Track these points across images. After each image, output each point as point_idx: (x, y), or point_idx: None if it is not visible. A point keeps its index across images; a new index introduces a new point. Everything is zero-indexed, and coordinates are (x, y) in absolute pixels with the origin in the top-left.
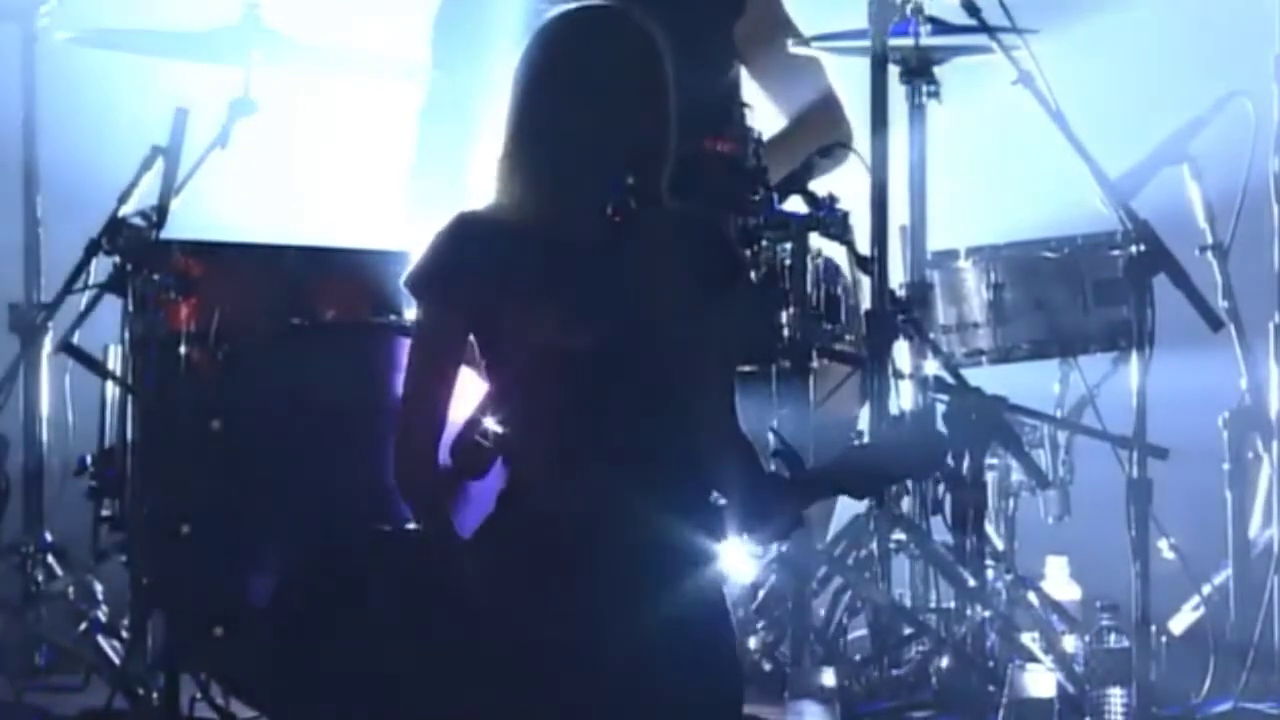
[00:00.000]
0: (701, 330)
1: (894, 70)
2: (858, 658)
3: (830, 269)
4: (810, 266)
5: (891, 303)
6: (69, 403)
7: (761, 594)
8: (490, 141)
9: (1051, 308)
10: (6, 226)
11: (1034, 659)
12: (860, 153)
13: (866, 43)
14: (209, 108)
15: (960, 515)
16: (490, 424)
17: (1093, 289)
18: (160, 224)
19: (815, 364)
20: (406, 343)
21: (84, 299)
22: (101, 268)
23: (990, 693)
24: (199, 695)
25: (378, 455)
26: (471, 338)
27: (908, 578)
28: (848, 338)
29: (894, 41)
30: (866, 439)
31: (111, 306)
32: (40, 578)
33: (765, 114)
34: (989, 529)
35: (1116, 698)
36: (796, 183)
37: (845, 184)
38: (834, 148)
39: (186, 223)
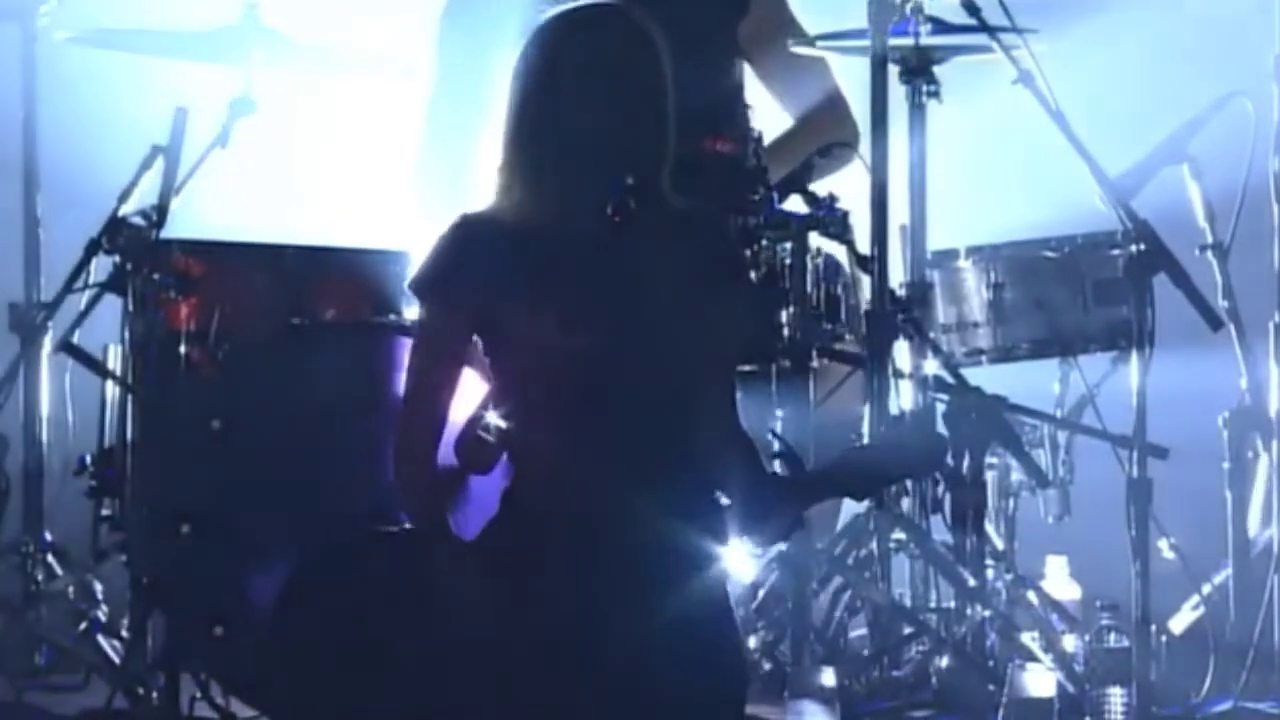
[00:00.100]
0: (702, 329)
1: (894, 70)
2: (863, 654)
3: (830, 266)
4: (810, 266)
5: (891, 302)
6: (69, 403)
7: (761, 594)
8: (494, 141)
9: (1051, 307)
10: (6, 226)
11: (1034, 659)
12: (861, 153)
13: (866, 43)
14: (209, 108)
15: (960, 515)
16: (494, 419)
17: (1093, 289)
18: (160, 223)
19: (815, 363)
20: (406, 342)
21: (84, 299)
22: (101, 267)
23: (990, 692)
24: (199, 695)
25: (377, 455)
26: (476, 338)
27: (908, 578)
28: (848, 337)
29: (894, 41)
30: (866, 440)
31: (111, 306)
32: (40, 578)
33: (770, 115)
34: (989, 529)
35: (1116, 697)
36: (796, 182)
37: (845, 184)
38: (833, 147)
39: (186, 223)
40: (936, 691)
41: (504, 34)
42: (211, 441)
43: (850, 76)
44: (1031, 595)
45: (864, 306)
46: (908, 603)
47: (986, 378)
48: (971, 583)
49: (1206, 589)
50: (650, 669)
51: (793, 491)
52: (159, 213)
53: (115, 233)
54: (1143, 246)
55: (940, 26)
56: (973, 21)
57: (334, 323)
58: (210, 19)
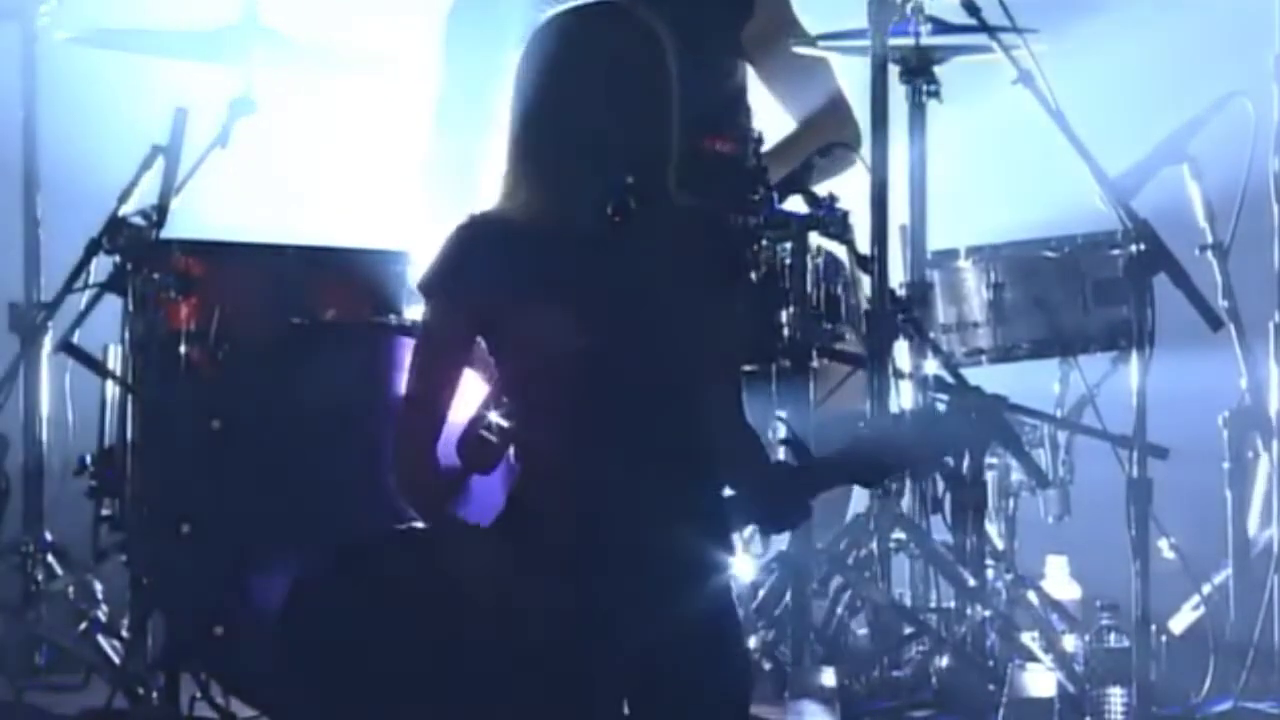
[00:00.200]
0: (703, 327)
1: (894, 70)
2: (863, 654)
3: (831, 265)
4: (810, 266)
5: (891, 302)
6: (69, 403)
7: (761, 594)
8: (500, 141)
9: (1051, 307)
10: (6, 226)
11: (1034, 659)
12: (861, 155)
13: (866, 43)
14: (209, 108)
15: (960, 515)
16: (496, 419)
17: (1093, 289)
18: (160, 224)
19: (815, 363)
20: (407, 342)
21: (84, 298)
22: (101, 267)
23: (990, 692)
24: (199, 695)
25: (378, 455)
26: (480, 339)
27: (908, 578)
28: (848, 336)
29: (894, 41)
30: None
31: (111, 306)
32: (40, 578)
33: (771, 118)
34: (989, 529)
35: (1116, 697)
36: (796, 183)
37: (845, 184)
38: (834, 147)
39: (186, 223)
40: (936, 691)
41: (511, 33)
42: (211, 441)
43: (850, 76)
44: (1031, 595)
45: (864, 306)
46: (908, 603)
47: (986, 378)
48: (971, 583)
49: (1206, 589)
50: (654, 668)
51: (802, 479)
52: (159, 213)
53: (115, 233)
54: (1143, 246)
55: (940, 26)
56: (973, 21)
57: (334, 323)
58: (210, 19)
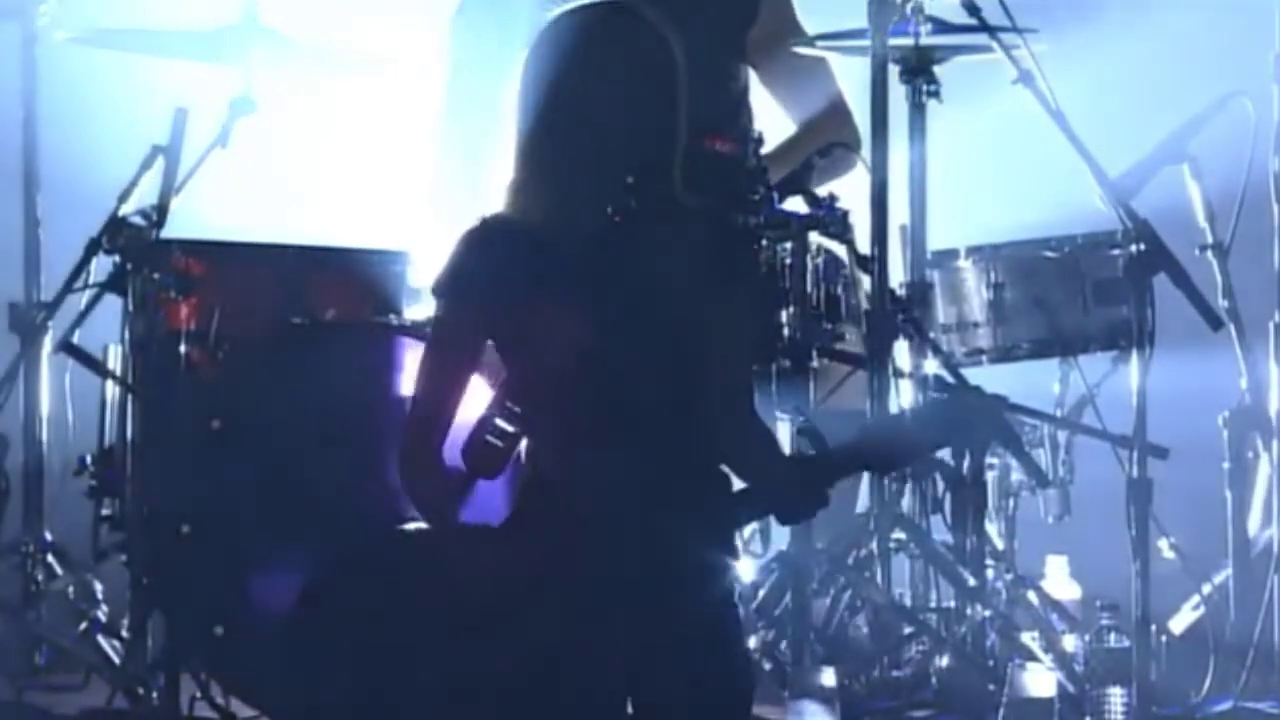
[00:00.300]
0: (709, 326)
1: (894, 70)
2: (863, 654)
3: (831, 264)
4: (810, 266)
5: (891, 302)
6: (69, 402)
7: (761, 594)
8: (508, 142)
9: (1051, 307)
10: (6, 226)
11: (1034, 658)
12: (862, 155)
13: (866, 43)
14: (209, 108)
15: (960, 515)
16: (502, 423)
17: (1093, 288)
18: (160, 223)
19: (815, 363)
20: (407, 342)
21: (84, 298)
22: (101, 267)
23: (990, 692)
24: (199, 695)
25: (378, 454)
26: (490, 341)
27: (908, 578)
28: (848, 336)
29: (894, 41)
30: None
31: (111, 306)
32: (40, 578)
33: (772, 121)
34: (989, 529)
35: (1116, 697)
36: (796, 183)
37: (845, 184)
38: (833, 147)
39: (186, 223)
40: (936, 691)
41: (519, 31)
42: (211, 441)
43: (850, 76)
44: (1031, 595)
45: (864, 306)
46: (908, 603)
47: (986, 378)
48: (971, 583)
49: (1206, 589)
50: (657, 668)
51: (818, 469)
52: (159, 213)
53: (115, 233)
54: (1143, 246)
55: (940, 26)
56: (973, 21)
57: (334, 323)
58: (210, 19)
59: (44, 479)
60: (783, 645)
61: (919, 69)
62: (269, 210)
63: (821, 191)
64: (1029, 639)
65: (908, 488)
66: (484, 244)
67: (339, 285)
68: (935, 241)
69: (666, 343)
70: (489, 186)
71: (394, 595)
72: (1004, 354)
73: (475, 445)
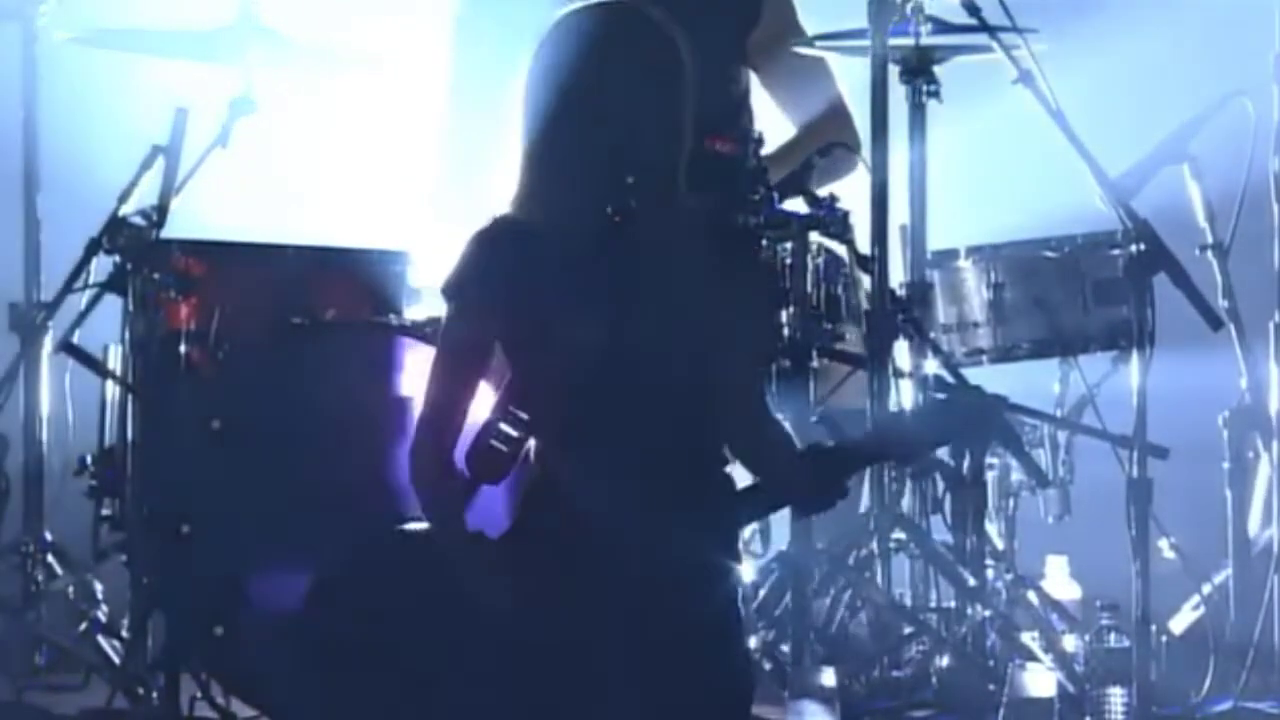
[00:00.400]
0: (713, 326)
1: (894, 70)
2: (863, 654)
3: (831, 264)
4: (810, 265)
5: (891, 302)
6: (69, 402)
7: (761, 594)
8: (513, 142)
9: (1051, 307)
10: (6, 226)
11: (1034, 658)
12: (862, 156)
13: (866, 43)
14: (209, 108)
15: (960, 515)
16: (507, 429)
17: (1093, 288)
18: (160, 223)
19: (815, 363)
20: (407, 342)
21: (84, 298)
22: (101, 267)
23: (990, 692)
24: (199, 695)
25: (378, 454)
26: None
27: (908, 578)
28: (848, 336)
29: (894, 41)
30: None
31: (111, 306)
32: (40, 578)
33: (772, 123)
34: (989, 529)
35: (1116, 697)
36: (796, 183)
37: (846, 184)
38: (833, 147)
39: (186, 223)
40: (936, 691)
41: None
42: (211, 441)
43: (850, 77)
44: (1031, 595)
45: (864, 306)
46: (908, 603)
47: (986, 378)
48: (971, 583)
49: (1206, 589)
50: (658, 669)
51: (837, 460)
52: (159, 213)
53: (115, 233)
54: (1143, 246)
55: (940, 26)
56: (973, 21)
57: (334, 323)
58: (209, 19)
59: (44, 479)
60: (783, 645)
61: (919, 69)
62: (269, 210)
63: (822, 192)
64: (1029, 639)
65: (908, 488)
66: (495, 245)
67: (339, 285)
68: (935, 241)
69: (674, 341)
70: (493, 185)
71: (396, 595)
72: (1004, 354)
73: (480, 450)
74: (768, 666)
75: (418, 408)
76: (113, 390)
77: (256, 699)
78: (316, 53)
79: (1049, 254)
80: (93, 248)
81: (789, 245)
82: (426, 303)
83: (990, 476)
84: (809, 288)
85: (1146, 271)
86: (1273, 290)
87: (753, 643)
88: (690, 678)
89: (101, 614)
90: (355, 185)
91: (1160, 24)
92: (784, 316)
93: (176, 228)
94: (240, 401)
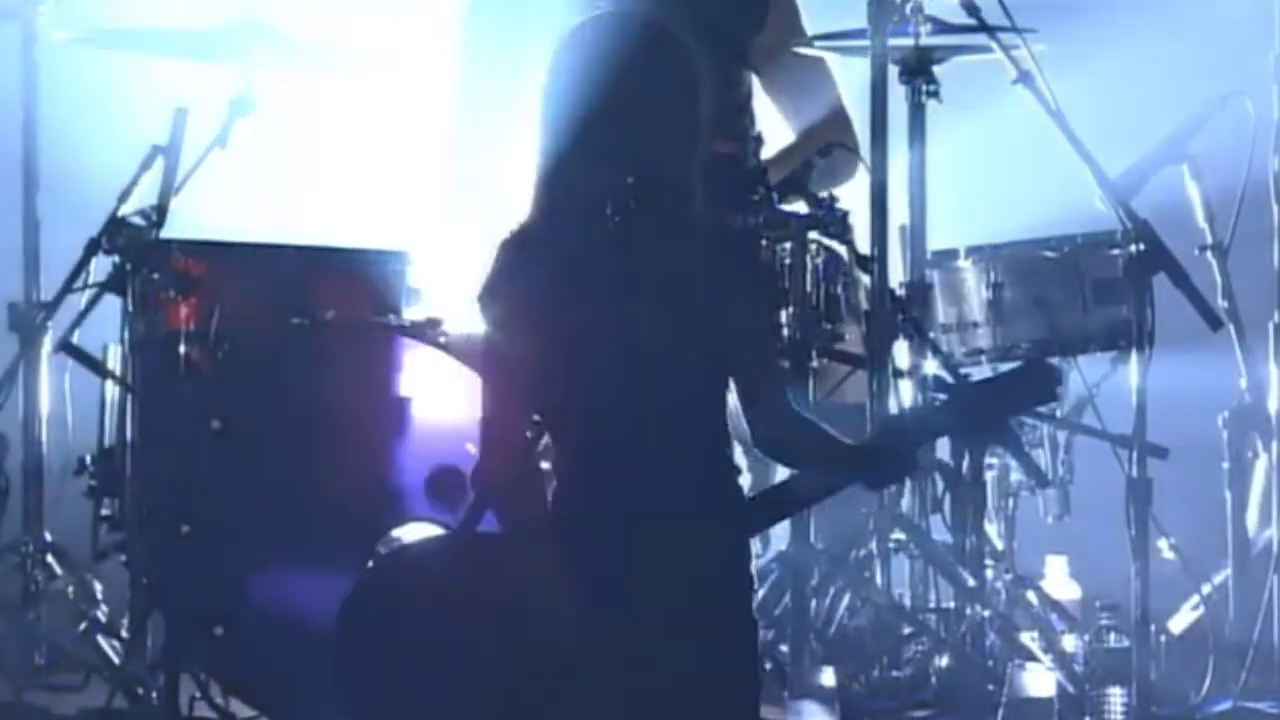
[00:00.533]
0: (725, 326)
1: (894, 70)
2: (863, 654)
3: (831, 264)
4: (810, 265)
5: (891, 302)
6: (69, 402)
7: (761, 594)
8: (526, 140)
9: (1051, 307)
10: (6, 226)
11: (1034, 659)
12: (862, 157)
13: (866, 43)
14: (209, 108)
15: (960, 515)
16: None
17: (1092, 288)
18: (160, 223)
19: (815, 363)
20: (407, 342)
21: (84, 298)
22: (101, 267)
23: (990, 692)
24: (199, 695)
25: (377, 454)
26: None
27: (907, 578)
28: (848, 335)
29: (894, 41)
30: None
31: (111, 306)
32: (40, 578)
33: (773, 123)
34: (989, 529)
35: (1116, 697)
36: (796, 184)
37: (846, 183)
38: (833, 147)
39: (186, 223)
40: (936, 691)
41: (534, 28)
42: (211, 441)
43: (850, 77)
44: (1031, 595)
45: (864, 306)
46: (907, 603)
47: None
48: (971, 583)
49: (1206, 589)
50: (662, 668)
51: (904, 433)
52: (159, 213)
53: (115, 233)
54: (1143, 246)
55: (940, 26)
56: (973, 21)
57: (334, 323)
58: (209, 18)
59: (44, 479)
60: (783, 645)
61: (919, 69)
62: (269, 210)
63: (821, 194)
64: (1029, 639)
65: (908, 488)
66: (521, 251)
67: (339, 285)
68: (935, 241)
69: (674, 344)
70: (503, 186)
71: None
72: (1004, 354)
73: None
74: (768, 666)
75: (417, 408)
76: (112, 390)
77: (256, 699)
78: (316, 53)
79: (1049, 254)
80: (92, 248)
81: (788, 245)
82: (426, 303)
83: (990, 476)
84: (809, 287)
85: (1146, 271)
86: (1272, 290)
87: None
88: (693, 674)
89: (101, 614)
90: (355, 185)
91: (1160, 24)
92: (784, 316)
93: (176, 228)
94: (240, 401)
